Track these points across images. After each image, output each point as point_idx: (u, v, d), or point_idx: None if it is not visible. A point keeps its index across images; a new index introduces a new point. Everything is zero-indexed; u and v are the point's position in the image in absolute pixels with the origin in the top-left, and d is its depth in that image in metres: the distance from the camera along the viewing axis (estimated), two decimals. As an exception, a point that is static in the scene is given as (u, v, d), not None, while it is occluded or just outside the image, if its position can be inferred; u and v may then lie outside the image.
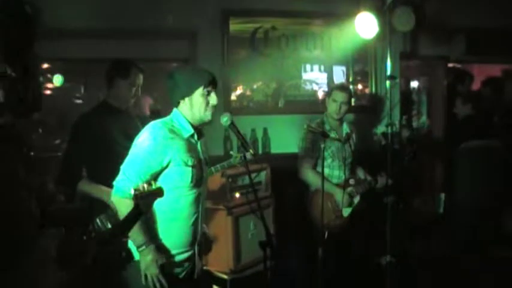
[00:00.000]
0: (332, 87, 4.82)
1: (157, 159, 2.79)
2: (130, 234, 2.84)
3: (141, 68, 3.80)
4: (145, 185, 2.49)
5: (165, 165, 2.82)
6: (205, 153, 3.08)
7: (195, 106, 2.89)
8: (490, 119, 5.59)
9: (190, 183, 2.88)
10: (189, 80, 2.92)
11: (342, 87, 4.76)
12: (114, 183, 2.87)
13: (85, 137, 3.60)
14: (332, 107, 4.60)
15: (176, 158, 2.82)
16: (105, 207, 3.50)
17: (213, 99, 2.90)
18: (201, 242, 3.09)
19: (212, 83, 2.91)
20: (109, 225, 3.48)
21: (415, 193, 6.19)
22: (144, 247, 2.81)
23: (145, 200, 2.49)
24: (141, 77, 3.78)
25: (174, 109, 2.98)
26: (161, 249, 2.88)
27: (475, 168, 5.28)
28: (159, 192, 2.55)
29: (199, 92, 2.88)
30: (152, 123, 2.94)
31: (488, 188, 5.23)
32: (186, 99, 2.90)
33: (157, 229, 2.91)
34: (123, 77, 3.70)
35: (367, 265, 4.98)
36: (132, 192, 2.45)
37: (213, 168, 4.08)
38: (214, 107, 2.91)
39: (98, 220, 3.55)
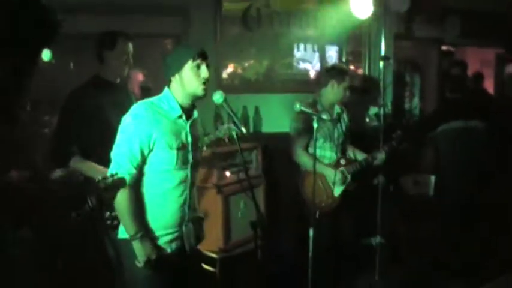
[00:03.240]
0: (343, 72, 4.58)
1: (144, 141, 2.75)
2: (122, 224, 2.84)
3: (129, 35, 3.70)
4: (110, 177, 2.46)
5: (152, 146, 2.78)
6: (196, 134, 3.03)
7: (185, 81, 2.83)
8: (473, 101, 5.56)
9: (175, 166, 2.84)
10: (177, 56, 2.88)
11: (347, 71, 4.69)
12: (108, 171, 2.83)
13: (76, 112, 3.52)
14: (340, 93, 4.49)
15: (161, 141, 2.78)
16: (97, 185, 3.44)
17: (204, 71, 2.83)
18: (194, 222, 3.07)
19: (201, 56, 2.84)
20: (94, 201, 3.41)
21: (406, 175, 6.20)
22: (137, 236, 2.79)
23: (109, 191, 2.46)
24: (129, 45, 3.68)
25: (165, 88, 2.92)
26: (151, 233, 2.87)
27: (456, 149, 5.28)
28: (121, 183, 2.52)
29: (188, 66, 2.81)
30: (137, 104, 2.88)
31: (469, 168, 5.23)
32: (177, 75, 2.85)
33: (145, 212, 2.89)
34: (110, 48, 3.61)
35: (358, 246, 4.99)
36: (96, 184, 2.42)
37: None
38: (206, 79, 2.84)
39: (89, 200, 3.48)
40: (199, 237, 3.18)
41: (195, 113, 3.00)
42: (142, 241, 2.80)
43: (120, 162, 2.77)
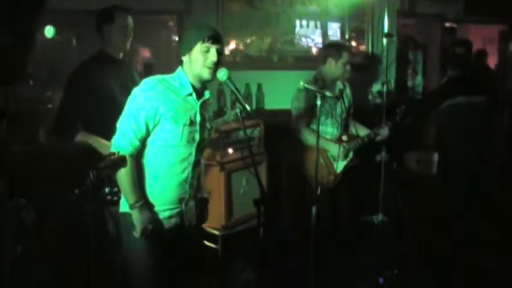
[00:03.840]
0: (340, 48, 4.55)
1: (149, 113, 2.76)
2: (122, 193, 2.85)
3: (126, 8, 3.69)
4: (111, 156, 2.47)
5: (157, 120, 2.79)
6: (206, 114, 3.04)
7: (193, 63, 2.83)
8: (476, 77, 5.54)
9: (180, 142, 2.85)
10: (188, 36, 2.87)
11: (348, 48, 4.67)
12: (112, 141, 2.84)
13: (80, 87, 3.53)
14: (339, 69, 4.48)
15: (167, 115, 2.78)
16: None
17: (213, 55, 2.81)
18: (197, 202, 3.09)
19: (212, 38, 2.81)
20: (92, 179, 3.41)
21: (409, 152, 6.20)
22: (136, 205, 2.82)
23: (108, 169, 2.47)
24: (128, 18, 3.68)
25: (179, 67, 2.92)
26: (150, 205, 2.89)
27: (460, 124, 5.28)
28: (121, 162, 2.54)
29: (197, 48, 2.80)
30: (148, 78, 2.89)
31: (473, 142, 5.25)
32: (187, 55, 2.85)
33: (145, 185, 2.90)
34: (109, 23, 3.62)
35: (360, 223, 5.00)
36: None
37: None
38: (214, 63, 2.82)
39: (91, 175, 3.49)
40: (202, 218, 3.20)
41: (207, 94, 3.00)
42: (141, 210, 2.83)
43: (125, 132, 2.79)
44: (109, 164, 2.45)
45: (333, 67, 4.45)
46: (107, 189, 2.92)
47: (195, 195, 3.07)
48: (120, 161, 2.53)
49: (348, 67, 4.49)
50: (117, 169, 2.59)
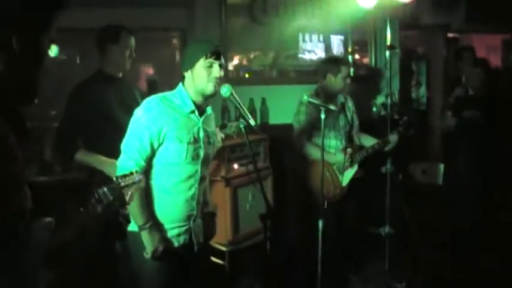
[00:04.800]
0: (337, 62, 4.57)
1: (154, 133, 2.78)
2: (131, 215, 2.86)
3: (131, 30, 3.72)
4: (129, 175, 2.44)
5: (161, 139, 2.80)
6: (209, 130, 3.05)
7: (196, 78, 2.84)
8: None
9: (185, 160, 2.86)
10: (191, 52, 2.90)
11: (346, 62, 4.68)
12: (117, 163, 2.85)
13: (81, 106, 3.55)
14: (339, 84, 4.49)
15: (171, 134, 2.80)
16: (105, 178, 3.46)
17: (216, 70, 2.84)
18: (205, 217, 3.09)
19: (214, 54, 2.84)
20: (111, 198, 3.40)
21: (414, 163, 6.18)
22: (145, 226, 2.82)
23: (128, 188, 2.45)
24: (132, 39, 3.70)
25: (179, 84, 2.93)
26: (159, 225, 2.89)
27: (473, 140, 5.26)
28: (139, 182, 2.52)
29: (200, 63, 2.83)
30: (150, 97, 2.91)
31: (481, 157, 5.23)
32: (189, 71, 2.87)
33: (153, 204, 2.91)
34: (113, 42, 3.63)
35: (366, 236, 4.98)
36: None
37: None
38: (217, 78, 2.84)
39: (101, 191, 3.47)
40: (210, 233, 3.19)
41: (209, 110, 3.02)
42: (151, 231, 2.83)
43: (130, 153, 2.80)
44: (129, 183, 2.43)
45: (333, 82, 4.47)
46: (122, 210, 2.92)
47: (202, 211, 3.07)
48: (139, 181, 2.51)
49: (348, 80, 4.51)
50: (137, 188, 2.57)
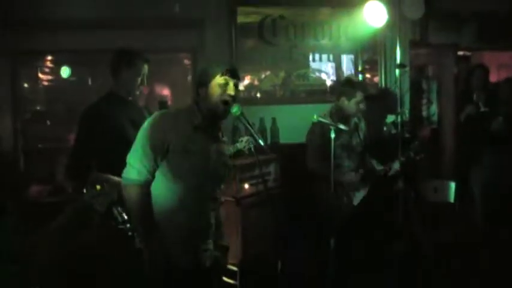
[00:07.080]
0: (354, 87, 4.55)
1: (158, 144, 2.77)
2: (133, 225, 2.86)
3: (146, 57, 3.75)
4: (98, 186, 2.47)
5: (165, 150, 2.79)
6: (220, 151, 3.03)
7: (210, 95, 2.85)
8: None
9: (189, 173, 2.83)
10: (207, 69, 2.91)
11: (363, 87, 4.69)
12: (122, 174, 2.85)
13: (94, 128, 3.56)
14: (352, 108, 4.49)
15: (175, 147, 2.79)
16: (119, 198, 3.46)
17: (231, 88, 2.84)
18: (216, 248, 3.05)
19: (230, 72, 2.85)
20: (125, 216, 3.41)
21: (426, 182, 6.14)
22: (147, 238, 2.80)
23: (97, 199, 2.47)
24: (146, 66, 3.73)
25: (192, 101, 2.96)
26: (162, 240, 2.84)
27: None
28: (110, 194, 2.53)
29: (216, 80, 2.84)
30: (157, 112, 2.93)
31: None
32: (204, 88, 2.88)
33: (158, 220, 2.85)
34: (128, 67, 3.65)
35: (380, 254, 4.95)
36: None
37: None
38: (231, 97, 2.85)
39: (115, 211, 3.48)
40: (221, 265, 3.15)
41: (221, 136, 3.05)
42: (152, 243, 2.79)
43: (133, 163, 2.80)
44: (97, 194, 2.44)
45: (346, 105, 4.48)
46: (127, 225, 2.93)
47: (213, 237, 3.02)
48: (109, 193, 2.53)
49: (362, 105, 4.51)
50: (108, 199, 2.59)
